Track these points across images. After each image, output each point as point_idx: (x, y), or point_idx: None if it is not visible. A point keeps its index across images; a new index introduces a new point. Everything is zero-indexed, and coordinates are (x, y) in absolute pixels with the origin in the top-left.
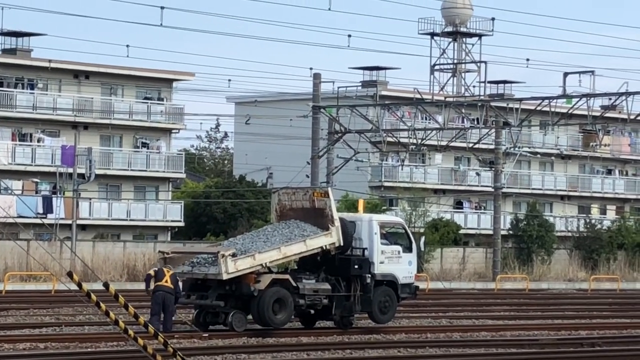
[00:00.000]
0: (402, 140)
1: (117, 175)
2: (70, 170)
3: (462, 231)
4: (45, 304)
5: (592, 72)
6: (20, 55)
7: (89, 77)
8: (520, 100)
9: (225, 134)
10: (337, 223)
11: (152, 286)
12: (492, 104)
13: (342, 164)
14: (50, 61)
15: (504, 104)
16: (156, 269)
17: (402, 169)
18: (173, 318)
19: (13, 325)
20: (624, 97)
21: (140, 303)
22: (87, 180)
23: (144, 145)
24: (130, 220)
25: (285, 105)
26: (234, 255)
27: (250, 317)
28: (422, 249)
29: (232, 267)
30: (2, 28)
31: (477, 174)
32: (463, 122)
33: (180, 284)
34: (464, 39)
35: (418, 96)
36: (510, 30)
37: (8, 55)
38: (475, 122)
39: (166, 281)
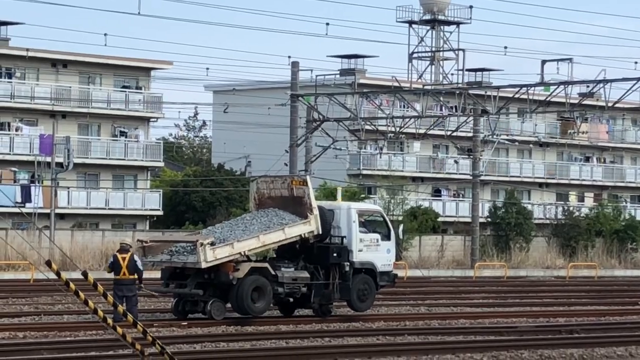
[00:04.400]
0: (380, 128)
1: (96, 164)
2: (49, 159)
3: (440, 219)
4: (24, 293)
5: (570, 59)
6: None
7: (66, 66)
8: (498, 88)
9: (204, 122)
10: (316, 211)
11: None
12: (470, 91)
13: (321, 152)
14: (28, 50)
15: (482, 92)
16: (114, 256)
17: (380, 157)
18: (138, 306)
19: None
20: (601, 85)
21: None
22: (65, 169)
23: (122, 134)
24: (109, 209)
25: (264, 94)
26: (212, 243)
27: (229, 305)
28: (401, 236)
29: (210, 256)
30: None
31: (456, 161)
32: (441, 110)
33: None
34: (442, 27)
35: (396, 84)
36: (488, 18)
37: None
38: (454, 110)
39: (124, 273)
